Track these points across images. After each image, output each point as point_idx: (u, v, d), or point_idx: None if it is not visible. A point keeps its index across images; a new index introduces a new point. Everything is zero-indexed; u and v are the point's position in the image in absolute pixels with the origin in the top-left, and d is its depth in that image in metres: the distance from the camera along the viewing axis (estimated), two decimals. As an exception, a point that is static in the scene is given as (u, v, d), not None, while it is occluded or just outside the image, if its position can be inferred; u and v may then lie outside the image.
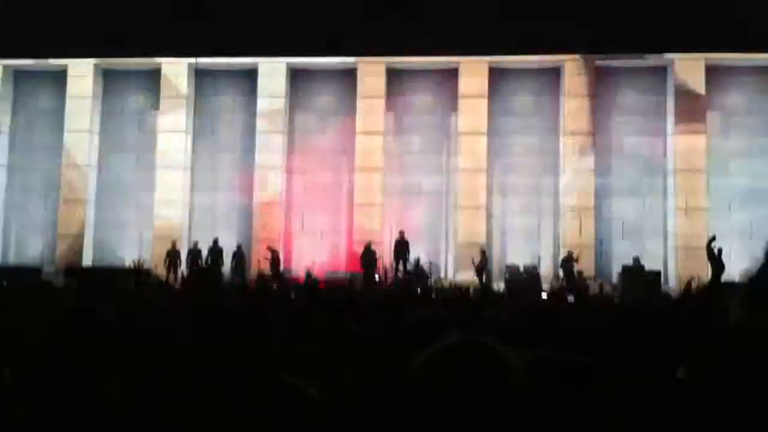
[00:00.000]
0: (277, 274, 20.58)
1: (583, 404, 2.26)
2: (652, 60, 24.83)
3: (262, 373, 2.85)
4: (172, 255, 23.14)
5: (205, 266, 21.86)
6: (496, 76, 25.34)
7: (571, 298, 13.52)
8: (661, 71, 25.03)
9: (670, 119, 24.77)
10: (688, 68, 24.45)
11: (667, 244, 24.61)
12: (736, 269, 19.90)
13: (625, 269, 21.90)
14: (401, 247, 23.19)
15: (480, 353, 1.88)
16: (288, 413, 2.02)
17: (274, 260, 22.92)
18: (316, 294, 8.52)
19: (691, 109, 24.38)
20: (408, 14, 23.31)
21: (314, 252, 25.42)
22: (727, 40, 23.20)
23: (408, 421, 1.90)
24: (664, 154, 25.13)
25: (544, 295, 15.66)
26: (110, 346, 2.73)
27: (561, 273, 22.74)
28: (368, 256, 22.51)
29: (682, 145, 24.35)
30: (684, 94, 24.41)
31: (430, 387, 1.86)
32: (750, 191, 24.50)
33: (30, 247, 26.65)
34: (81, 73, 26.32)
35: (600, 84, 25.02)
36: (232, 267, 23.12)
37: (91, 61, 26.15)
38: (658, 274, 22.31)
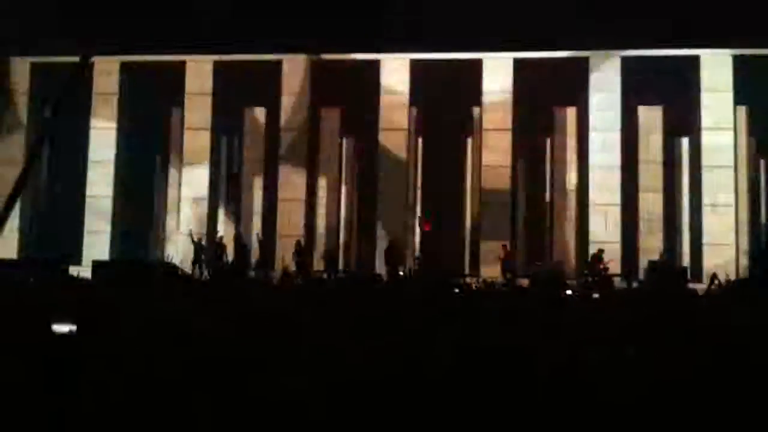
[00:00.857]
0: (301, 266, 20.78)
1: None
2: (679, 55, 24.49)
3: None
4: (197, 250, 23.25)
5: (229, 261, 21.93)
6: (520, 70, 25.10)
7: (596, 295, 13.47)
8: (689, 66, 24.67)
9: (698, 115, 24.46)
10: (717, 63, 24.12)
11: (694, 241, 24.36)
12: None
13: (652, 266, 21.73)
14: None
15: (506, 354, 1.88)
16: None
17: (300, 254, 23.06)
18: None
19: (719, 104, 24.06)
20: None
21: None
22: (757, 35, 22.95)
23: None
24: (691, 150, 24.87)
25: (569, 292, 15.57)
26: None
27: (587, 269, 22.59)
28: (392, 252, 22.52)
29: (709, 140, 24.03)
30: (712, 90, 24.10)
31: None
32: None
33: (56, 242, 26.74)
34: (106, 70, 26.46)
35: (627, 78, 24.71)
36: (256, 261, 23.17)
37: (117, 57, 26.25)
38: (684, 270, 22.12)
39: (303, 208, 25.63)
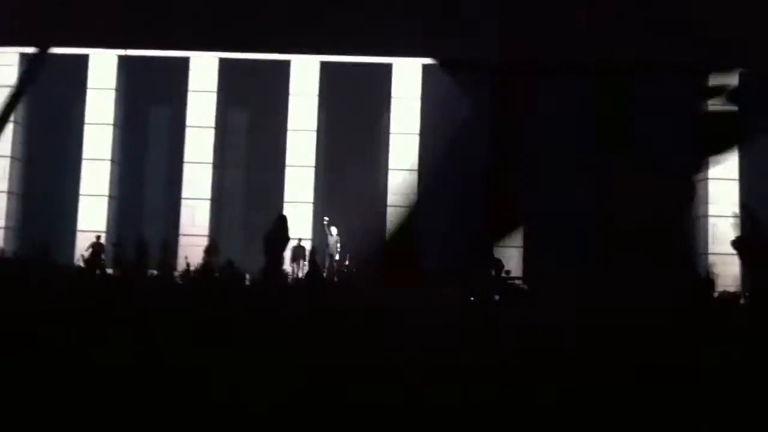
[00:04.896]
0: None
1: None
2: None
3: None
4: (96, 249, 22.74)
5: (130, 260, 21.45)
6: (424, 75, 25.42)
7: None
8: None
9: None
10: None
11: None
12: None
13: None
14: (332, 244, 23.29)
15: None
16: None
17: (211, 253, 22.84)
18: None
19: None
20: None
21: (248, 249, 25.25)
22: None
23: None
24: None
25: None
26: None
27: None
28: (297, 252, 22.63)
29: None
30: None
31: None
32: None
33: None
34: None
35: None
36: (158, 261, 22.72)
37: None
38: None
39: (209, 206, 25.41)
